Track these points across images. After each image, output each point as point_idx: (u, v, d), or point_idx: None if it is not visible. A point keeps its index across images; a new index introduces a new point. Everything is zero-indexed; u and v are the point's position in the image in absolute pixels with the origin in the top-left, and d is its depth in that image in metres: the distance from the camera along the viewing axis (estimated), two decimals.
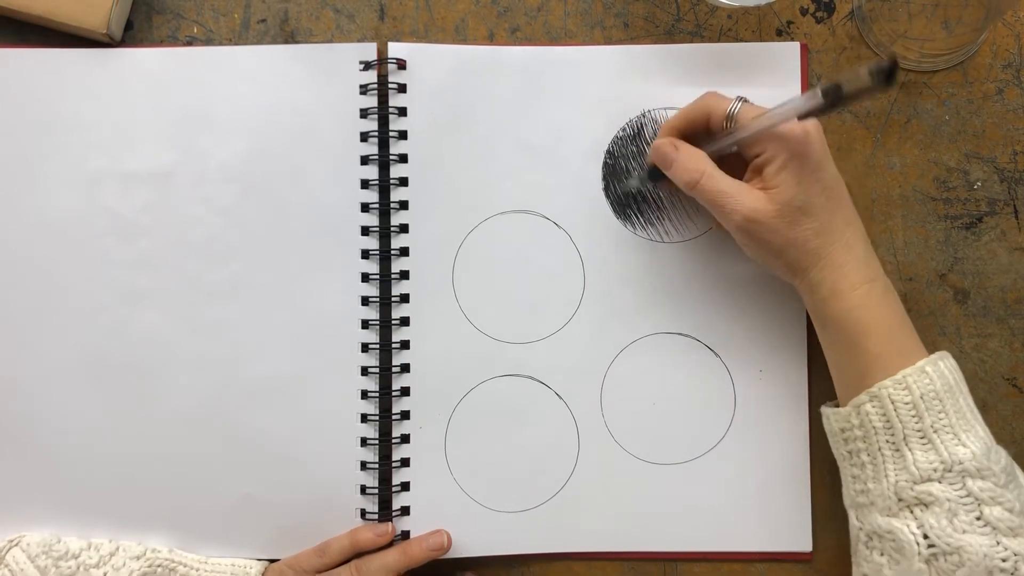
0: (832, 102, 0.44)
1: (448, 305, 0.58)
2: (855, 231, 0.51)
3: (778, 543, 0.57)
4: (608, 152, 0.59)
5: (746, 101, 0.52)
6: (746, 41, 0.59)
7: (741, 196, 0.50)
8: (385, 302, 0.58)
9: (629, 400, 0.58)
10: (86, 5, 0.56)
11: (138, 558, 0.55)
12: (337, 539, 0.56)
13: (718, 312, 0.58)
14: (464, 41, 0.59)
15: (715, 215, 0.52)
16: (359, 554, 0.56)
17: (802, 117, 0.47)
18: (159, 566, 0.55)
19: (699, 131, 0.54)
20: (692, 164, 0.52)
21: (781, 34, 0.59)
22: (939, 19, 0.57)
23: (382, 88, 0.58)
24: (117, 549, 0.55)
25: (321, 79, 0.58)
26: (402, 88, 0.58)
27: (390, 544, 0.56)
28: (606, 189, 0.59)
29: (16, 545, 0.55)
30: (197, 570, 0.55)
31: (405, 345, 0.58)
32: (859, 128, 0.59)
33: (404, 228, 0.58)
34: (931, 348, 0.58)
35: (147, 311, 0.58)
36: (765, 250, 0.51)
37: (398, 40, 0.59)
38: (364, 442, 0.57)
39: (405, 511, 0.57)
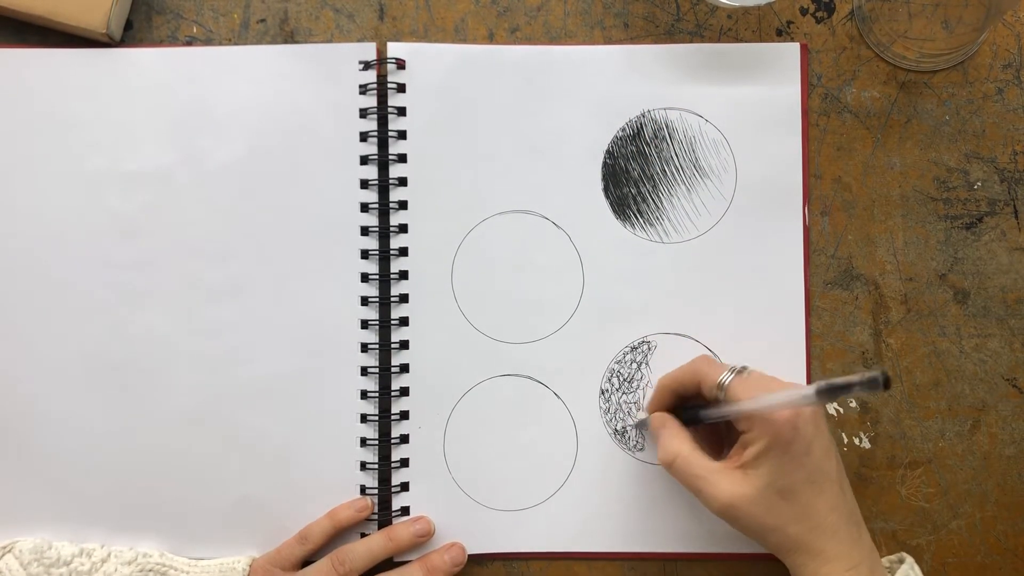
0: (826, 401, 0.45)
1: (447, 305, 0.58)
2: (840, 515, 0.49)
3: None
4: (608, 152, 0.59)
5: (743, 371, 0.51)
6: (746, 41, 0.59)
7: (717, 483, 0.49)
8: (384, 302, 0.58)
9: (628, 400, 0.58)
10: (86, 5, 0.56)
11: (129, 563, 0.55)
12: (317, 523, 0.56)
13: (718, 312, 0.58)
14: (464, 41, 0.59)
15: (694, 496, 0.51)
16: (342, 535, 0.56)
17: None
18: (150, 570, 0.55)
19: (692, 393, 0.53)
20: (669, 445, 0.52)
21: (781, 34, 0.59)
22: (939, 19, 0.57)
23: (381, 88, 0.58)
24: (109, 555, 0.55)
25: (321, 79, 0.58)
26: (401, 88, 0.58)
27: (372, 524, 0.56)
28: (606, 189, 0.59)
29: (9, 552, 0.54)
30: (187, 573, 0.55)
31: (404, 345, 0.58)
32: (859, 128, 0.59)
33: (403, 228, 0.58)
34: (931, 349, 0.58)
35: (147, 311, 0.58)
36: (745, 532, 0.50)
37: (398, 40, 0.59)
38: (364, 442, 0.57)
39: (405, 511, 0.57)
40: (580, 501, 0.58)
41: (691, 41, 0.59)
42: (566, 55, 0.59)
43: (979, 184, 0.59)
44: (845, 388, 0.44)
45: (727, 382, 0.50)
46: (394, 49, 0.58)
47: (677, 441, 0.52)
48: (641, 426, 0.58)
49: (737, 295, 0.58)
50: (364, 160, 0.58)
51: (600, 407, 0.58)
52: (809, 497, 0.48)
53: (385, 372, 0.58)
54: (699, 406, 0.53)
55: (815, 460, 0.49)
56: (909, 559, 0.53)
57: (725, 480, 0.49)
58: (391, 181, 0.58)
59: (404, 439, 0.58)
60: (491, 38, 0.59)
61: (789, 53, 0.59)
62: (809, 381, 0.58)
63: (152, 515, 0.57)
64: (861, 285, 0.58)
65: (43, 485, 0.57)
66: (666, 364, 0.58)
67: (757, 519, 0.49)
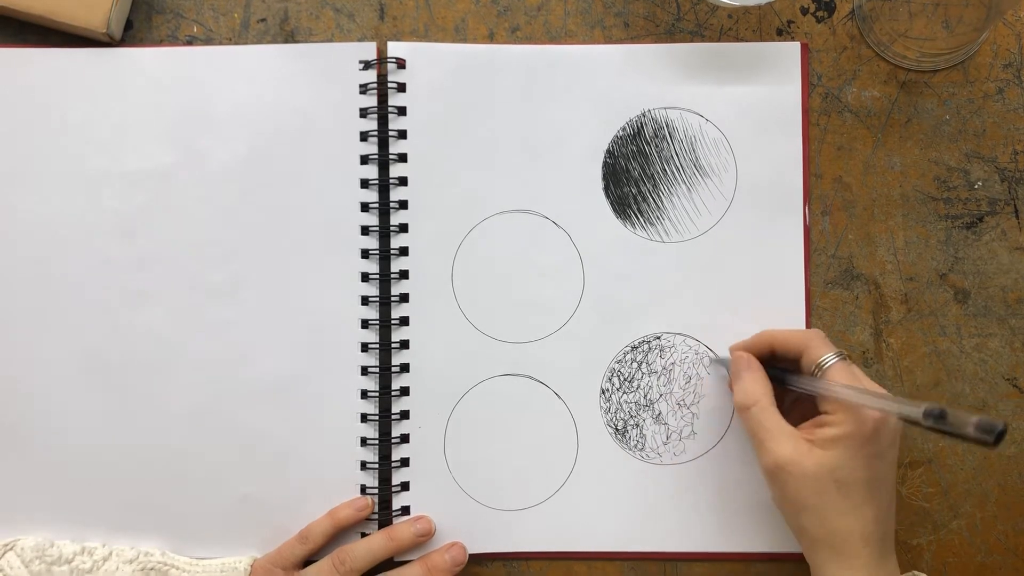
0: (929, 426, 0.42)
1: (447, 304, 0.58)
2: (880, 527, 0.49)
3: (778, 543, 0.57)
4: (608, 152, 0.59)
5: (846, 359, 0.50)
6: (746, 41, 0.59)
7: (781, 440, 0.49)
8: (385, 302, 0.58)
9: (629, 400, 0.58)
10: (86, 5, 0.56)
11: (131, 562, 0.55)
12: (317, 522, 0.56)
13: (718, 312, 0.58)
14: (464, 40, 0.59)
15: (753, 446, 0.51)
16: (342, 535, 0.56)
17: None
18: (152, 569, 0.55)
19: (788, 357, 0.53)
20: (752, 389, 0.51)
21: (781, 34, 0.59)
22: (940, 18, 0.57)
23: (382, 87, 0.58)
24: (111, 554, 0.55)
25: (321, 79, 0.58)
26: (402, 87, 0.58)
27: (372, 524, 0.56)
28: (606, 188, 0.59)
29: (11, 550, 0.55)
30: (188, 572, 0.55)
31: (405, 345, 0.58)
32: (859, 128, 0.59)
33: (404, 228, 0.58)
34: (931, 348, 0.58)
35: (147, 311, 0.58)
36: (784, 502, 0.50)
37: (398, 39, 0.59)
38: (364, 442, 0.57)
39: (405, 511, 0.57)
40: (580, 501, 0.58)
41: (691, 41, 0.59)
42: (566, 55, 0.59)
43: (979, 184, 0.59)
44: (956, 425, 0.40)
45: (830, 363, 0.50)
46: (394, 48, 0.58)
47: (761, 387, 0.51)
48: (718, 363, 0.57)
49: (737, 295, 0.58)
50: (364, 159, 0.58)
51: (600, 407, 0.58)
52: (862, 498, 0.48)
53: (385, 372, 0.58)
54: (787, 371, 0.53)
55: (881, 469, 0.48)
56: None
57: (791, 444, 0.49)
58: (391, 180, 0.58)
59: (404, 439, 0.58)
60: (491, 38, 0.59)
61: (789, 53, 0.59)
62: None
63: (153, 515, 0.57)
64: (861, 285, 0.58)
65: (44, 484, 0.57)
66: (666, 364, 0.58)
67: (803, 494, 0.48)
